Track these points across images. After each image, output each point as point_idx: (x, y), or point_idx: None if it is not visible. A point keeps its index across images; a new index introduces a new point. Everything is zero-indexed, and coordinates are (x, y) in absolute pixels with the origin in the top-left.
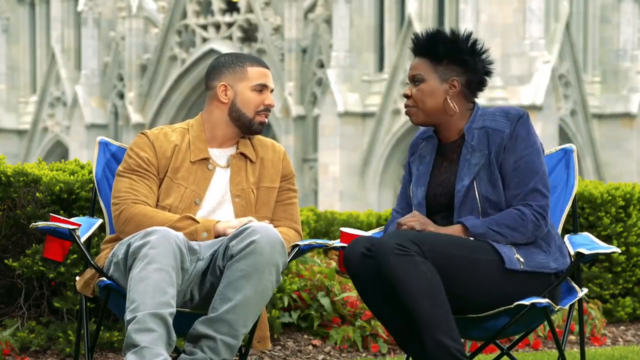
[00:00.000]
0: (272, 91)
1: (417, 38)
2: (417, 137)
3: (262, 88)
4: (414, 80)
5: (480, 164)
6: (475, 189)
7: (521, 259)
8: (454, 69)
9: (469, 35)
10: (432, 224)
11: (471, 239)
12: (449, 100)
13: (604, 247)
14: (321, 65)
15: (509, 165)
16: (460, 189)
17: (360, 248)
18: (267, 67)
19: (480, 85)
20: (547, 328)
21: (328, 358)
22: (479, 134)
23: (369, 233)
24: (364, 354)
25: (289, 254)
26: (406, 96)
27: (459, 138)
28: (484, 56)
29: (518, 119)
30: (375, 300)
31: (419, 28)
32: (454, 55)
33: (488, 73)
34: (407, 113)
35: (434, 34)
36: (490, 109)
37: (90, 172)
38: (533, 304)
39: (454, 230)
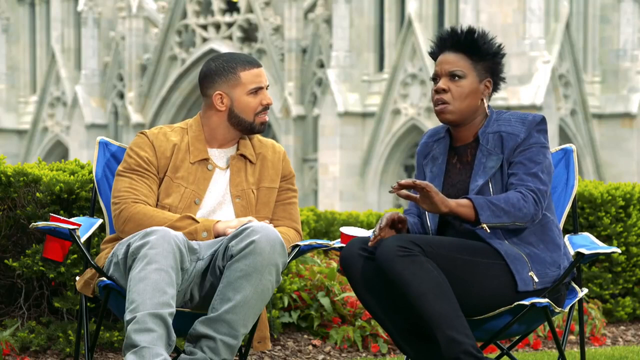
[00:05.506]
0: (267, 87)
1: (455, 33)
2: (427, 139)
3: (257, 90)
4: (453, 75)
5: (497, 167)
6: (491, 190)
7: (535, 279)
8: (487, 69)
9: (493, 37)
10: (436, 190)
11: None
12: (484, 101)
13: (604, 247)
14: (321, 65)
15: (514, 157)
16: (474, 189)
17: (357, 249)
18: (258, 66)
19: (497, 89)
20: (547, 328)
21: (328, 358)
22: (494, 138)
23: (369, 232)
24: (364, 354)
25: (289, 254)
26: (441, 90)
27: (473, 141)
28: (503, 60)
29: (535, 125)
30: (373, 302)
31: (419, 28)
32: (491, 56)
33: (504, 78)
34: (440, 110)
35: (472, 31)
36: (505, 113)
37: (90, 172)
38: (533, 304)
39: (461, 202)
